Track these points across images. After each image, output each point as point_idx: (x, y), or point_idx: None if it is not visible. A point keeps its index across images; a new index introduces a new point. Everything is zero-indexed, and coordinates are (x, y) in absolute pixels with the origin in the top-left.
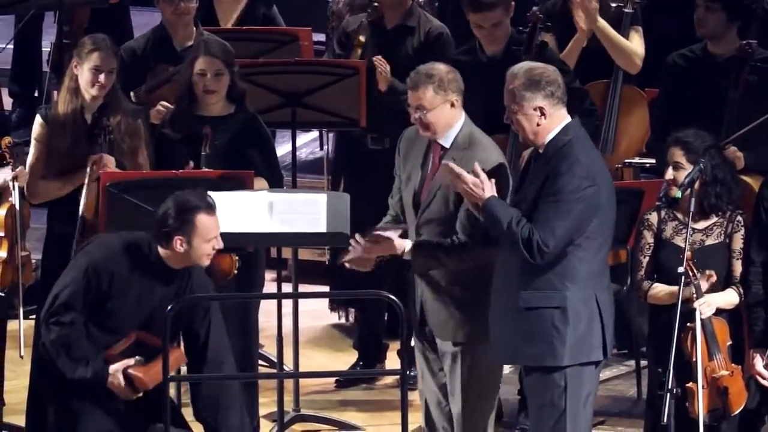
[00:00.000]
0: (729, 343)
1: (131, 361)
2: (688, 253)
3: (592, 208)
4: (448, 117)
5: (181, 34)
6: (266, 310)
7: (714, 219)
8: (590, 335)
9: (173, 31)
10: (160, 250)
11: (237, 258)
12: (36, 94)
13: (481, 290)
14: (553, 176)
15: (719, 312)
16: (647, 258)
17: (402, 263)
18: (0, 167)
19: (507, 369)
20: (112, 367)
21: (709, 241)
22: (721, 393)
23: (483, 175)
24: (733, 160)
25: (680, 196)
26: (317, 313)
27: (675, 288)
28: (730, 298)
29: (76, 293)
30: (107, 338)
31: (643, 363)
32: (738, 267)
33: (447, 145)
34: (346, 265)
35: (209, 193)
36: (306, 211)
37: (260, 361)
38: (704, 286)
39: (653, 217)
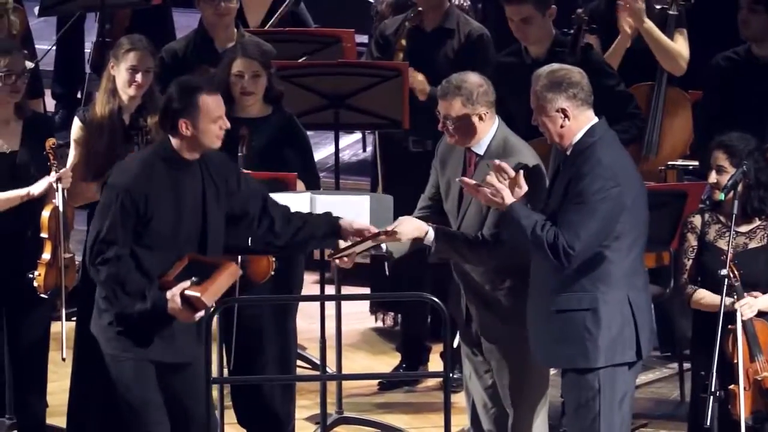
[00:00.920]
0: None
1: (187, 283)
2: (730, 256)
3: (617, 208)
4: (475, 129)
5: (222, 35)
6: (308, 313)
7: (757, 222)
8: (623, 336)
9: (214, 32)
10: (172, 140)
11: (274, 260)
12: (79, 95)
13: (524, 291)
14: (576, 178)
15: (761, 314)
16: (691, 261)
17: (442, 266)
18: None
19: (552, 371)
20: (169, 293)
21: (752, 245)
22: (764, 394)
23: (498, 184)
24: None
25: (723, 199)
26: (360, 315)
27: (718, 297)
28: None
29: (115, 225)
30: (159, 257)
31: (687, 366)
32: None
33: (481, 152)
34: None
35: None
36: (349, 212)
37: (303, 364)
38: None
39: (697, 220)
